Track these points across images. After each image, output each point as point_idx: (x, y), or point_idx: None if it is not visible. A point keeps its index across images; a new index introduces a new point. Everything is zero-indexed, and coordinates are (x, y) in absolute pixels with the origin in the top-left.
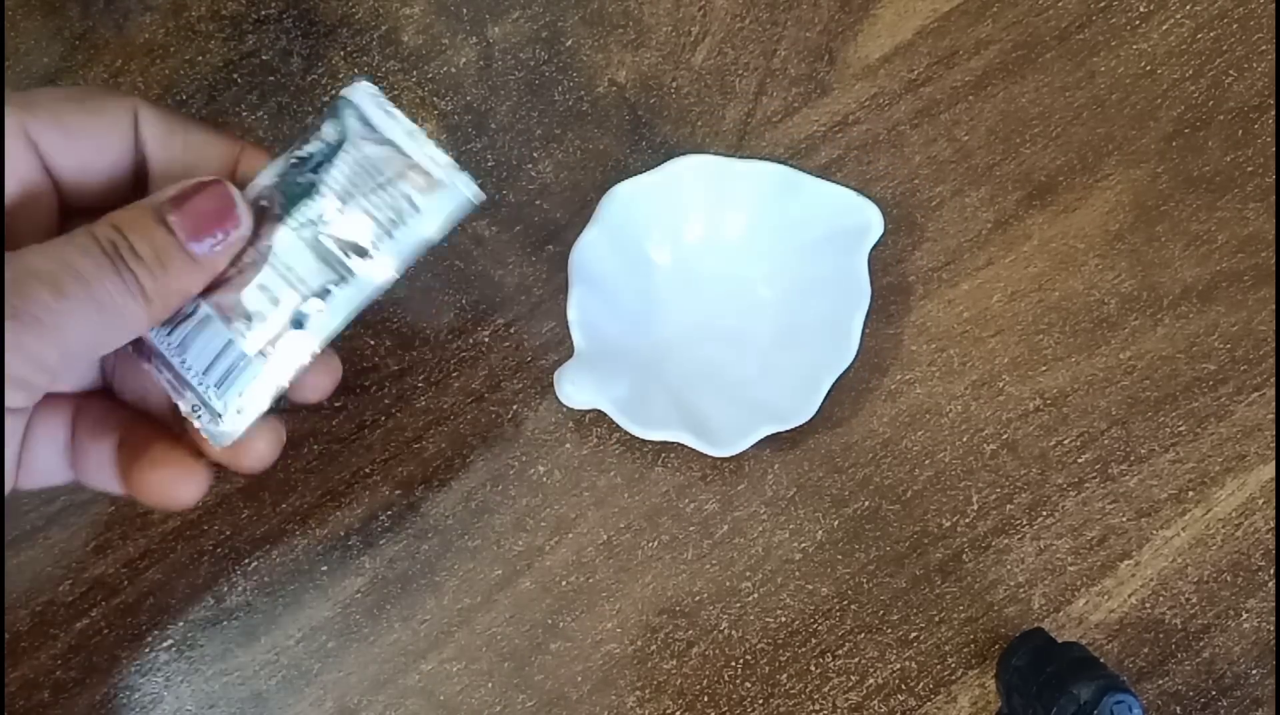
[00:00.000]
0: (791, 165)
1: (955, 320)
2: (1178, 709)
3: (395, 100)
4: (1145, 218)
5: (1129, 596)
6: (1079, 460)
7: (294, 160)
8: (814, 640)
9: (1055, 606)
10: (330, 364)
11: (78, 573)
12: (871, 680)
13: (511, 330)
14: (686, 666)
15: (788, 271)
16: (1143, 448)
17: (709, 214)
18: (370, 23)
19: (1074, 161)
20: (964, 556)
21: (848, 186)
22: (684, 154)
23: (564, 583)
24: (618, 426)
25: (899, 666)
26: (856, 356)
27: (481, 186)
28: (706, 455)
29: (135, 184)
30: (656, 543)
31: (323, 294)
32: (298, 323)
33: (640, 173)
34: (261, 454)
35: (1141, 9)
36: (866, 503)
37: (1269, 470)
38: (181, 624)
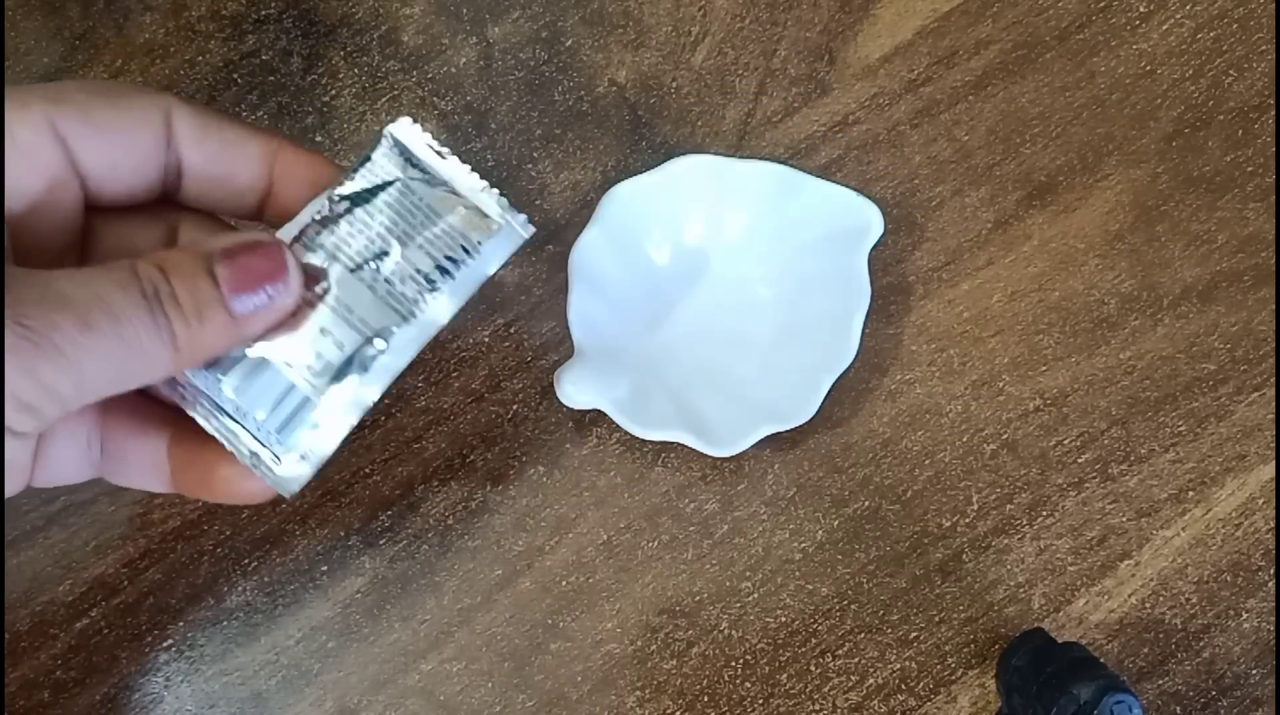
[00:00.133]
0: (791, 165)
1: (955, 320)
2: (1178, 709)
3: (395, 100)
4: (1145, 218)
5: (1129, 596)
6: (1079, 460)
7: (341, 199)
8: (814, 640)
9: (1055, 606)
10: None
11: (78, 573)
12: (871, 680)
13: (511, 330)
14: (686, 666)
15: (788, 271)
16: (1143, 448)
17: (709, 214)
18: (370, 23)
19: (1074, 161)
20: (964, 556)
21: (848, 186)
22: (684, 154)
23: (564, 583)
24: (618, 426)
25: (899, 666)
26: (856, 356)
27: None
28: (706, 455)
29: (165, 184)
30: (656, 543)
31: (385, 335)
32: (362, 365)
33: (640, 173)
34: (254, 491)
35: (1141, 9)
36: (866, 503)
37: (1269, 470)
38: (181, 624)
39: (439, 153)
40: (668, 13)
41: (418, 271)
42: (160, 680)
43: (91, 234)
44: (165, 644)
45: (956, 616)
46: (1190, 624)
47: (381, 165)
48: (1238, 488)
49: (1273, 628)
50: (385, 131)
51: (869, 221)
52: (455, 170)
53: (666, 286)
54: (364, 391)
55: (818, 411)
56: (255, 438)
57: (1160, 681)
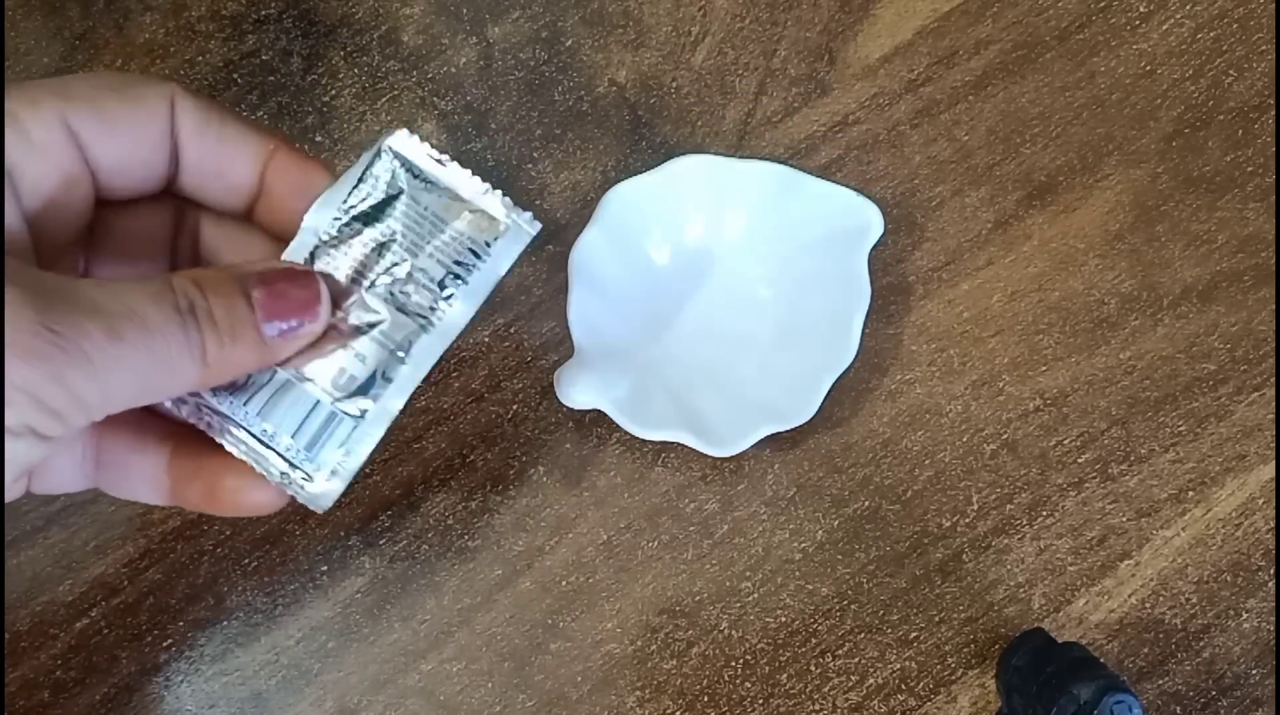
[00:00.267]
0: (791, 165)
1: (955, 320)
2: (1178, 709)
3: (395, 100)
4: (1145, 218)
5: (1129, 596)
6: (1079, 460)
7: (346, 212)
8: (814, 640)
9: (1055, 606)
10: None
11: (78, 573)
12: (871, 680)
13: (511, 330)
14: (686, 666)
15: (788, 271)
16: (1143, 448)
17: (709, 214)
18: (370, 23)
19: (1074, 161)
20: (964, 556)
21: (848, 186)
22: (684, 154)
23: (564, 583)
24: (618, 426)
25: (899, 666)
26: (856, 356)
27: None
28: (706, 455)
29: (170, 175)
30: (656, 543)
31: (405, 346)
32: (385, 377)
33: (640, 173)
34: (259, 503)
35: (1141, 9)
36: (866, 503)
37: (1269, 470)
38: (181, 624)
39: (439, 160)
40: (668, 13)
41: (431, 280)
42: (160, 680)
43: (98, 224)
44: (165, 644)
45: (956, 616)
46: (1190, 624)
47: (383, 179)
48: (1238, 488)
49: (1273, 628)
50: (383, 145)
51: (869, 221)
52: (457, 176)
53: (666, 286)
54: (388, 403)
55: (818, 411)
56: (284, 458)
57: (1160, 681)
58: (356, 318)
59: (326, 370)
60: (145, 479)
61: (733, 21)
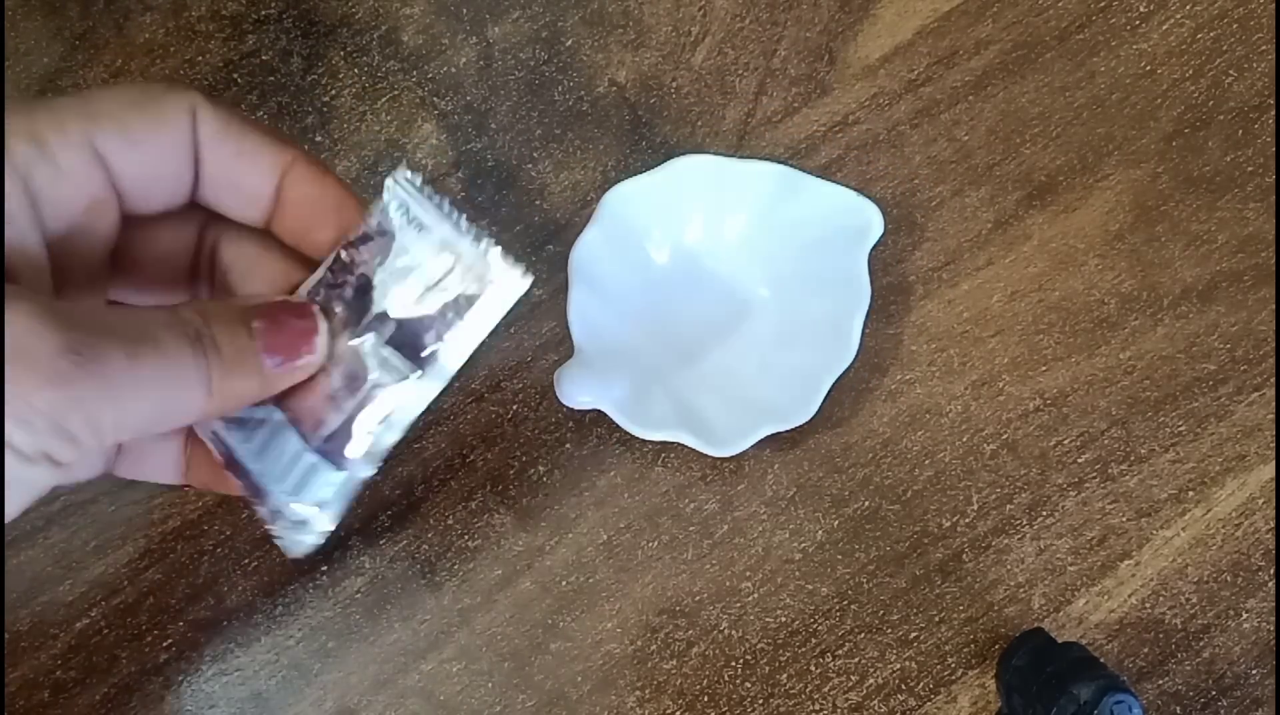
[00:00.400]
0: (791, 165)
1: (955, 320)
2: (1178, 709)
3: (395, 100)
4: (1145, 218)
5: (1129, 596)
6: (1079, 460)
7: (345, 258)
8: (814, 640)
9: (1055, 606)
10: None
11: (78, 573)
12: (871, 680)
13: (511, 330)
14: (686, 666)
15: (788, 271)
16: (1143, 448)
17: (709, 214)
18: (370, 23)
19: (1074, 161)
20: (964, 556)
21: (848, 186)
22: (684, 154)
23: (564, 583)
24: (618, 426)
25: (899, 666)
26: (856, 356)
27: (481, 186)
28: (706, 455)
29: (193, 188)
30: (656, 543)
31: (395, 393)
32: (374, 421)
33: (640, 173)
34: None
35: (1141, 9)
36: (866, 503)
37: (1269, 470)
38: (181, 624)
39: (436, 204)
40: (668, 13)
41: (423, 329)
42: (160, 680)
43: (122, 241)
44: (165, 644)
45: (956, 616)
46: (1190, 624)
47: (382, 222)
48: (1238, 488)
49: (1273, 628)
50: (386, 183)
51: (869, 221)
52: (453, 224)
53: (666, 286)
54: (379, 442)
55: (818, 411)
56: (273, 498)
57: (1160, 681)
58: (347, 361)
59: (313, 412)
60: (164, 462)
61: (733, 21)
